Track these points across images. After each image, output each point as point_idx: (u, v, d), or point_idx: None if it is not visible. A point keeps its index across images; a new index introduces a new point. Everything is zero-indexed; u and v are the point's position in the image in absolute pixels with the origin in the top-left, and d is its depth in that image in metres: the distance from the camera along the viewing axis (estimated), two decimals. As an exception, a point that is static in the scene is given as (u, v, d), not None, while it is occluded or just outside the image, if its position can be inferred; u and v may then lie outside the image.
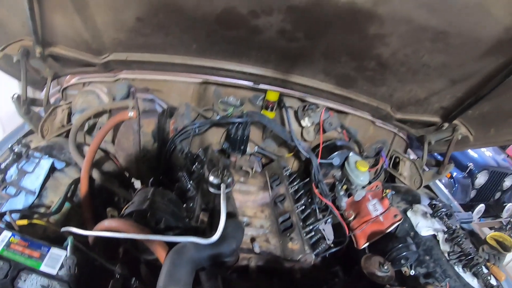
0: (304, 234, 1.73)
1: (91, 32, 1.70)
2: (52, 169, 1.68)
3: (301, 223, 1.80)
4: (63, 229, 1.38)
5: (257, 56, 1.94)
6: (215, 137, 2.46)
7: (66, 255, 1.15)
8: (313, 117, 2.28)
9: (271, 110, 2.32)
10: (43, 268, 1.12)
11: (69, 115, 2.05)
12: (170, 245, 1.24)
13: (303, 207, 1.93)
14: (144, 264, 1.42)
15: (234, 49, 1.89)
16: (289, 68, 2.03)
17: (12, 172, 1.58)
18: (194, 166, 2.03)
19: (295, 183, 2.13)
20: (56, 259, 1.15)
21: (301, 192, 2.07)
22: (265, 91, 2.27)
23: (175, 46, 1.88)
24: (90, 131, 1.99)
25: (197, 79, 2.18)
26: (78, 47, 1.83)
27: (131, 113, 1.81)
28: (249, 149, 2.41)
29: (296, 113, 2.35)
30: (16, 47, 1.72)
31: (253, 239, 1.71)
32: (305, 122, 2.31)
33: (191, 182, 1.88)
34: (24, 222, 1.38)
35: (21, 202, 1.51)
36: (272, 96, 2.27)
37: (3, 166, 1.55)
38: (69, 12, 1.54)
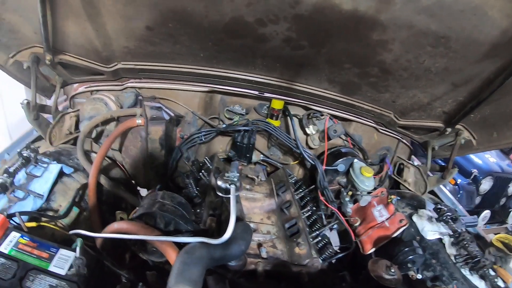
0: (311, 240, 1.72)
1: (102, 40, 1.74)
2: (61, 174, 1.69)
3: (307, 229, 1.80)
4: (72, 231, 1.38)
5: (262, 64, 1.98)
6: (221, 145, 2.48)
7: (75, 256, 1.15)
8: (317, 124, 2.33)
9: (276, 118, 2.35)
10: (51, 268, 1.12)
11: (77, 122, 2.07)
12: (180, 247, 1.24)
13: (309, 213, 1.93)
14: (152, 267, 1.42)
15: (240, 58, 1.93)
16: (293, 76, 2.06)
17: (21, 176, 1.59)
18: (200, 174, 2.05)
19: (300, 190, 2.14)
20: (65, 260, 1.15)
21: (307, 199, 2.08)
22: (270, 99, 2.31)
23: (183, 55, 1.92)
24: (97, 138, 2.01)
25: (203, 88, 2.22)
26: (88, 55, 1.87)
27: (139, 120, 1.85)
28: (255, 157, 2.43)
29: (301, 121, 2.38)
30: (27, 53, 1.76)
31: (260, 245, 1.70)
32: (310, 129, 2.34)
33: (197, 189, 1.90)
34: (33, 224, 1.38)
35: (29, 205, 1.51)
36: (277, 105, 2.30)
37: (11, 170, 1.56)
38: (82, 20, 1.58)
